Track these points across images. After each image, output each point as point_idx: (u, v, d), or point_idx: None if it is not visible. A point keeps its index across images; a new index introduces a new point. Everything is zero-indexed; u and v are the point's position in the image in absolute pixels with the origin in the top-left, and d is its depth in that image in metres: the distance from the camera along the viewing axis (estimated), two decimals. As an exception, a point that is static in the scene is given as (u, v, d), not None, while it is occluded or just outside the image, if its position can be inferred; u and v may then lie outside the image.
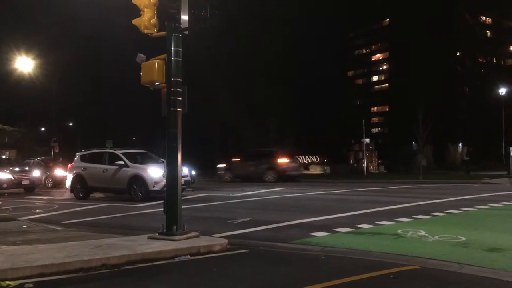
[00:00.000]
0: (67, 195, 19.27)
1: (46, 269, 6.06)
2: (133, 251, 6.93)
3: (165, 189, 15.90)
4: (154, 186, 15.90)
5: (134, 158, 17.53)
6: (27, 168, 24.40)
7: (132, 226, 10.46)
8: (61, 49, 54.85)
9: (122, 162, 16.98)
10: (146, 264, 6.59)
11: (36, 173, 24.22)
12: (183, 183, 16.36)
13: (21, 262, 6.16)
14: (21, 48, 33.49)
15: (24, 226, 10.40)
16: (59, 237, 8.74)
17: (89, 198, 18.06)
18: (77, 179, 18.07)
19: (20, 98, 46.61)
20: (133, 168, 16.73)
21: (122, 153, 17.47)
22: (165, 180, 15.50)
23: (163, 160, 17.27)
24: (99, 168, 17.53)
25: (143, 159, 17.85)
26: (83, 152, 19.23)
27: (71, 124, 62.06)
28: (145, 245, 7.33)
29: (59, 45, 55.58)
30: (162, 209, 8.21)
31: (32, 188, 22.91)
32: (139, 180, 16.30)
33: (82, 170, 18.02)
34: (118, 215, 12.88)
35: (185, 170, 17.19)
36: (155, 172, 16.08)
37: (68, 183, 18.62)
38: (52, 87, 38.54)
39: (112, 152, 17.91)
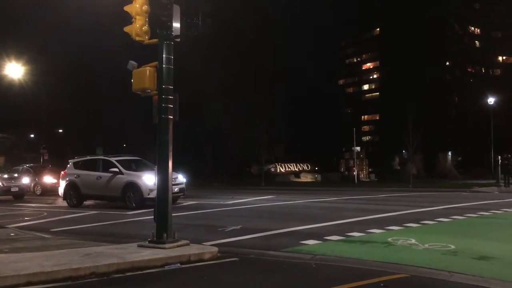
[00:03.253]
0: (57, 202, 19.10)
1: (34, 277, 5.98)
2: (122, 259, 6.87)
3: None
4: (149, 194, 15.44)
5: (128, 165, 17.30)
6: (16, 175, 24.09)
7: (122, 234, 10.38)
8: (51, 55, 54.70)
9: (116, 169, 16.67)
10: (135, 273, 6.53)
11: (26, 180, 23.89)
12: (178, 190, 16.15)
13: (8, 271, 6.08)
14: (11, 54, 33.27)
15: (12, 234, 10.27)
16: (47, 245, 8.64)
17: (78, 206, 17.88)
18: (70, 186, 17.74)
19: (9, 104, 46.24)
20: (128, 175, 16.41)
21: (116, 160, 17.17)
22: None
23: (156, 167, 17.18)
24: (93, 175, 17.21)
25: (138, 166, 17.58)
26: (77, 159, 18.83)
27: (60, 131, 61.62)
28: (134, 253, 7.26)
29: (49, 52, 55.41)
30: (153, 217, 8.15)
31: (21, 195, 22.60)
32: (133, 188, 16.02)
33: (75, 177, 17.68)
34: (108, 222, 12.78)
35: (180, 178, 17.19)
36: (150, 180, 15.65)
37: (61, 191, 18.29)
38: (42, 93, 38.29)
39: (106, 159, 17.63)
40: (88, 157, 18.84)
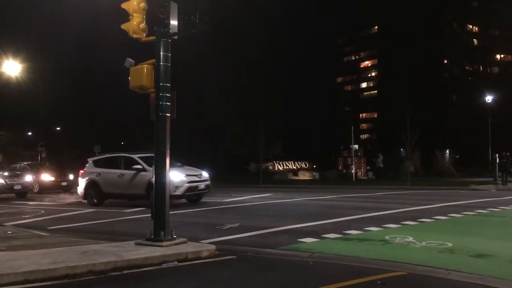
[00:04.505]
0: (55, 200, 19.06)
1: (31, 275, 5.97)
2: (120, 257, 6.86)
3: (187, 193, 15.27)
4: (175, 191, 14.80)
5: (151, 162, 16.76)
6: (18, 173, 23.63)
7: (119, 232, 10.36)
8: (49, 53, 54.52)
9: (139, 166, 15.91)
10: (133, 271, 6.53)
11: (29, 177, 23.43)
12: (204, 187, 16.10)
13: (5, 269, 6.06)
14: (8, 51, 33.17)
15: (9, 232, 10.25)
16: (44, 243, 8.62)
17: (75, 204, 17.85)
18: (91, 185, 17.11)
19: (7, 102, 46.11)
20: (152, 172, 15.99)
21: (139, 157, 16.45)
22: (186, 184, 14.99)
23: (180, 164, 16.89)
24: (115, 173, 16.60)
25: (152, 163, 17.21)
26: (97, 157, 18.22)
27: (58, 128, 61.51)
28: (132, 251, 7.26)
29: (47, 49, 55.22)
30: (150, 214, 8.15)
31: (24, 193, 22.25)
32: None
33: (96, 175, 17.08)
34: (105, 220, 12.77)
35: (204, 174, 16.84)
36: (175, 176, 14.98)
37: (80, 190, 17.68)
38: (40, 91, 38.20)
39: (128, 156, 16.94)
40: (109, 155, 18.22)
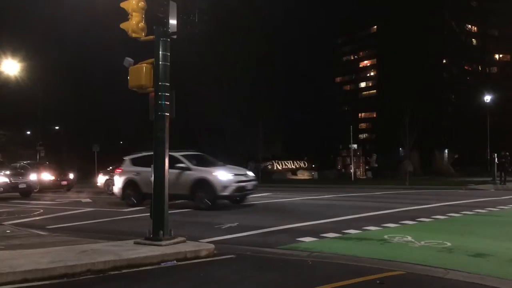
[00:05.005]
0: (54, 199, 19.03)
1: (29, 274, 5.97)
2: (118, 256, 6.86)
3: (236, 193, 14.76)
4: (223, 191, 14.27)
5: (194, 161, 15.74)
6: (23, 171, 23.12)
7: (118, 231, 10.36)
8: (47, 52, 54.44)
9: (183, 165, 15.03)
10: (132, 270, 6.53)
11: (33, 176, 22.85)
12: (251, 187, 15.47)
13: (4, 268, 6.06)
14: (7, 50, 33.12)
15: (7, 231, 10.24)
16: (43, 242, 8.61)
17: (74, 203, 17.83)
18: (129, 184, 16.17)
19: (5, 101, 46.05)
20: (197, 171, 14.87)
21: (181, 155, 15.57)
22: (235, 184, 14.64)
23: (222, 163, 16.31)
24: None
25: (202, 161, 16.04)
26: (134, 155, 17.11)
27: (57, 128, 61.45)
28: (131, 251, 7.26)
29: (45, 48, 55.12)
30: (149, 213, 8.14)
31: (28, 192, 21.80)
32: (205, 185, 14.58)
33: (134, 175, 16.11)
34: (104, 220, 12.77)
35: (250, 174, 16.27)
36: (223, 175, 14.49)
37: (116, 189, 16.77)
38: (38, 90, 38.17)
39: (170, 154, 16.29)
40: (147, 153, 17.22)
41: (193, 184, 14.67)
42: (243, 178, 15.24)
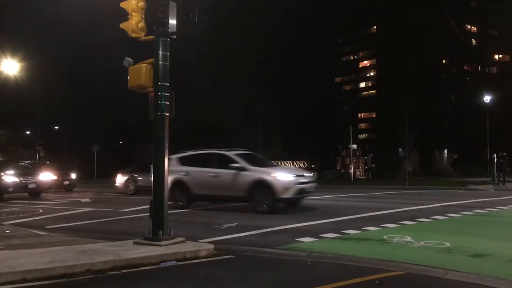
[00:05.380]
0: (54, 199, 19.00)
1: (28, 274, 5.96)
2: (118, 256, 6.86)
3: (297, 196, 13.76)
4: (284, 193, 13.21)
5: (250, 161, 14.67)
6: (33, 171, 22.39)
7: (118, 231, 10.35)
8: (47, 52, 54.45)
9: (238, 165, 13.98)
10: (131, 270, 6.53)
11: (43, 176, 21.98)
12: (311, 189, 14.30)
13: (3, 268, 6.06)
14: (6, 50, 33.11)
15: (7, 231, 10.24)
16: (43, 242, 8.61)
17: (74, 203, 17.81)
18: (177, 185, 14.89)
19: (5, 101, 46.05)
20: (254, 172, 13.80)
21: (235, 154, 14.61)
22: (296, 186, 13.51)
23: (273, 161, 15.67)
24: (207, 172, 14.57)
25: (255, 161, 14.88)
26: (182, 154, 16.00)
27: (56, 127, 61.45)
28: (130, 251, 7.25)
29: (45, 48, 55.15)
30: (148, 214, 8.14)
31: (38, 192, 21.23)
32: (263, 187, 13.41)
33: (183, 175, 14.99)
34: (103, 220, 12.76)
35: (308, 174, 15.26)
36: (284, 176, 13.53)
37: None
38: (38, 90, 38.15)
39: (222, 154, 14.94)
40: (195, 152, 16.20)
41: (250, 186, 13.54)
42: (303, 179, 14.11)
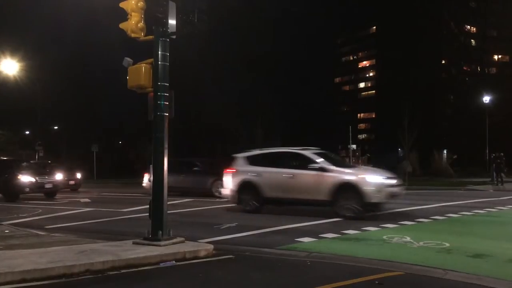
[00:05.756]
0: (53, 199, 18.97)
1: (28, 274, 5.96)
2: (117, 256, 6.86)
3: (387, 200, 12.35)
4: (374, 197, 11.94)
5: (331, 160, 13.44)
6: (48, 170, 21.92)
7: (117, 231, 10.35)
8: (47, 52, 54.43)
9: (319, 165, 12.70)
10: (130, 270, 6.52)
11: (59, 176, 21.14)
12: (400, 192, 12.93)
13: (2, 268, 6.05)
14: (6, 50, 33.10)
15: (6, 231, 10.23)
16: (42, 242, 8.60)
17: (73, 203, 17.79)
18: (246, 187, 13.78)
19: (4, 101, 46.07)
20: (339, 174, 12.50)
21: (314, 154, 13.31)
22: (386, 189, 12.18)
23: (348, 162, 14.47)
24: (282, 173, 13.23)
25: (334, 161, 13.53)
26: (250, 153, 14.80)
27: (56, 127, 61.44)
28: (130, 251, 7.25)
29: (45, 48, 55.13)
30: (148, 214, 8.13)
31: (54, 192, 20.59)
32: (350, 190, 12.06)
33: (254, 175, 13.75)
34: (103, 220, 12.75)
35: (395, 176, 13.45)
36: (373, 178, 12.29)
37: (229, 192, 14.30)
38: (37, 90, 38.14)
39: (300, 153, 13.55)
40: (267, 150, 14.86)
41: (334, 189, 12.19)
42: (393, 182, 12.80)
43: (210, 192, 19.57)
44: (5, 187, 19.38)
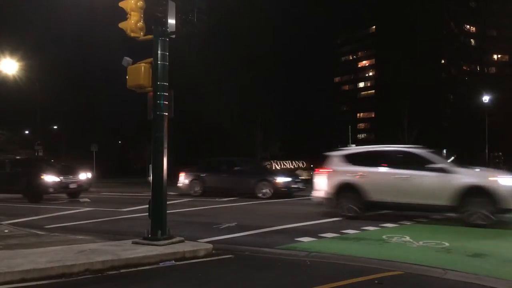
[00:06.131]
0: (52, 198, 18.97)
1: (27, 274, 5.95)
2: (117, 256, 6.85)
3: None
4: (510, 203, 10.51)
5: (453, 161, 12.20)
6: (72, 170, 20.70)
7: (117, 231, 10.33)
8: (46, 51, 54.43)
9: (439, 166, 11.25)
10: (130, 270, 6.52)
11: (83, 176, 20.13)
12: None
13: (1, 267, 6.04)
14: (5, 49, 33.06)
15: (5, 231, 10.22)
16: (41, 241, 8.59)
17: (73, 203, 17.76)
18: (346, 189, 12.19)
19: (4, 100, 46.05)
20: (464, 175, 11.09)
21: (430, 152, 11.91)
22: None
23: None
24: (393, 173, 11.71)
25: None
26: (349, 150, 13.39)
27: (55, 127, 61.43)
28: (129, 250, 7.25)
29: (44, 47, 55.12)
30: (147, 213, 8.13)
31: (78, 192, 19.77)
32: (480, 194, 10.63)
33: (355, 176, 12.22)
34: (103, 219, 12.74)
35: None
36: (507, 181, 10.90)
37: (322, 194, 12.73)
38: (37, 89, 38.12)
39: (413, 152, 12.07)
40: (370, 148, 13.59)
41: (460, 193, 10.76)
42: None
43: (254, 193, 18.83)
44: (28, 187, 18.49)
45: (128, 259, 6.77)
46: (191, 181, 20.60)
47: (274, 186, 18.68)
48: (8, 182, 19.12)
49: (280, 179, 19.15)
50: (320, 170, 13.16)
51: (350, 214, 11.95)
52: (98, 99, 61.03)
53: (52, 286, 5.76)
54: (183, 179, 20.98)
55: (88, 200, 18.76)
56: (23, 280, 5.84)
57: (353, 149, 13.32)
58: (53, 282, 5.90)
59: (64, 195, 19.81)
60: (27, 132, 54.99)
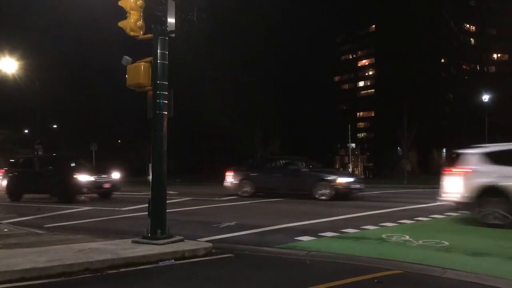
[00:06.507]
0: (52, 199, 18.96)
1: (27, 273, 5.95)
2: (116, 255, 6.85)
3: None
4: None
5: None
6: (105, 169, 20.23)
7: (116, 230, 10.34)
8: (46, 50, 54.38)
9: None
10: (129, 269, 6.52)
11: (116, 175, 19.48)
12: None
13: (1, 266, 6.04)
14: (5, 48, 33.03)
15: (5, 230, 10.22)
16: (41, 241, 8.59)
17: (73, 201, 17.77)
18: (492, 193, 10.35)
19: (3, 99, 46.01)
20: None
21: None
22: None
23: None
24: None
25: None
26: (493, 148, 11.16)
27: (55, 126, 61.41)
28: (129, 249, 7.25)
29: (44, 47, 55.06)
30: (147, 212, 8.13)
31: (110, 192, 19.06)
32: None
33: (505, 178, 10.27)
34: (102, 218, 12.75)
35: None
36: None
37: (459, 198, 10.86)
38: (36, 88, 38.11)
39: None
40: None
41: None
42: None
43: (311, 194, 17.50)
44: (60, 187, 17.91)
45: (127, 258, 6.77)
46: (240, 181, 19.37)
47: (335, 187, 17.22)
48: (37, 181, 18.61)
49: (342, 179, 17.69)
50: (455, 171, 11.16)
51: (496, 222, 10.25)
52: (97, 98, 60.99)
53: (52, 285, 5.75)
54: (231, 179, 19.77)
55: (88, 199, 18.75)
56: (22, 279, 5.84)
57: (497, 146, 11.34)
58: (53, 281, 5.90)
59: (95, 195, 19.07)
60: (26, 131, 54.97)
